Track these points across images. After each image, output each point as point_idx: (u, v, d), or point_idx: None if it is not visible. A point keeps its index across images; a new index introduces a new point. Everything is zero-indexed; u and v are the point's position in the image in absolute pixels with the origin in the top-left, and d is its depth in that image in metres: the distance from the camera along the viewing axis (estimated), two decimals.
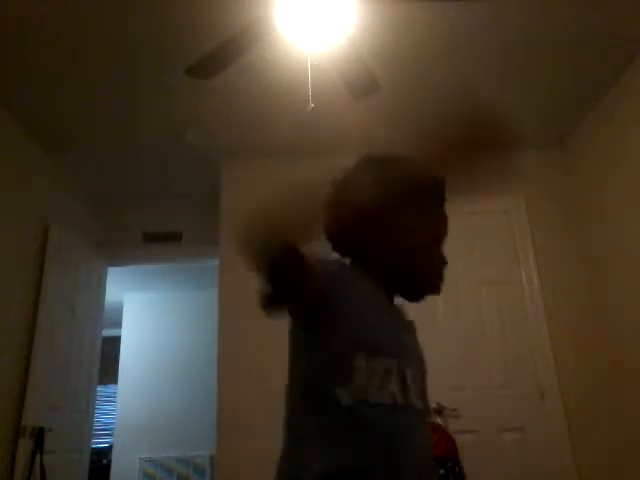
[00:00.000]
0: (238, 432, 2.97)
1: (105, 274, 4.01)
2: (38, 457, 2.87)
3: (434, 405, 2.85)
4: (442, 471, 2.48)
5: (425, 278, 0.96)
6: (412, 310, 0.98)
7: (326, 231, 0.93)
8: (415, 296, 0.97)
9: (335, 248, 0.97)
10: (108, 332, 4.58)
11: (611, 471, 2.88)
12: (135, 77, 2.75)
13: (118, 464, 5.47)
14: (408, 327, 0.96)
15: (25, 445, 2.82)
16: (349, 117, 3.15)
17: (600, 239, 3.15)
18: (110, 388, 6.37)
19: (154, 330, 5.94)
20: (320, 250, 0.89)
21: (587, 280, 3.26)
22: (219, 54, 2.10)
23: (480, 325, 3.18)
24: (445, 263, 0.96)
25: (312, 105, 2.26)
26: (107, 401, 6.58)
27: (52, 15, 2.33)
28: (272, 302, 0.80)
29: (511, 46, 2.65)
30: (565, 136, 3.48)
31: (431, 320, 3.08)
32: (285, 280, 0.78)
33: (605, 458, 2.92)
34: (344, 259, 0.97)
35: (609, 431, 2.97)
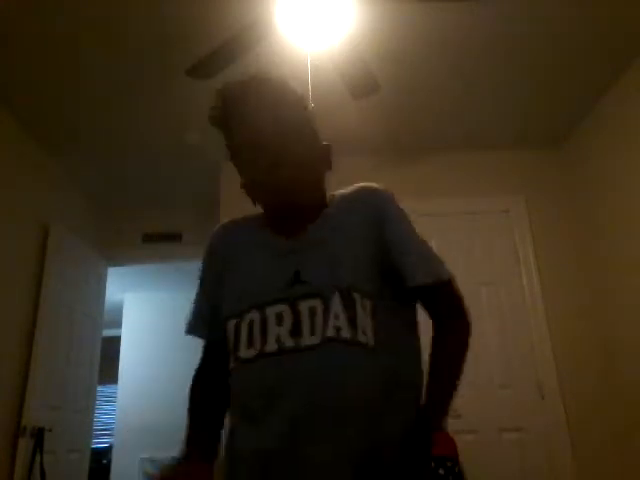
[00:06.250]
0: None
1: (105, 274, 4.01)
2: (38, 457, 2.87)
3: None
4: (441, 471, 2.48)
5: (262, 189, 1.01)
6: None
7: None
8: (280, 211, 1.03)
9: None
10: (108, 332, 4.57)
11: (611, 471, 2.88)
12: (135, 77, 2.75)
13: (118, 464, 5.46)
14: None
15: (25, 445, 2.82)
16: (349, 117, 3.15)
17: (600, 239, 3.15)
18: (110, 388, 6.37)
19: (154, 330, 5.93)
20: None
21: (587, 280, 3.26)
22: (219, 54, 2.10)
23: (480, 325, 3.17)
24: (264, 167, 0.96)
25: (312, 105, 2.26)
26: (107, 401, 6.58)
27: (53, 15, 2.33)
28: None
29: (511, 46, 2.66)
30: (565, 136, 3.48)
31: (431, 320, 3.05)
32: None
33: (605, 458, 2.92)
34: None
35: (609, 431, 2.97)
